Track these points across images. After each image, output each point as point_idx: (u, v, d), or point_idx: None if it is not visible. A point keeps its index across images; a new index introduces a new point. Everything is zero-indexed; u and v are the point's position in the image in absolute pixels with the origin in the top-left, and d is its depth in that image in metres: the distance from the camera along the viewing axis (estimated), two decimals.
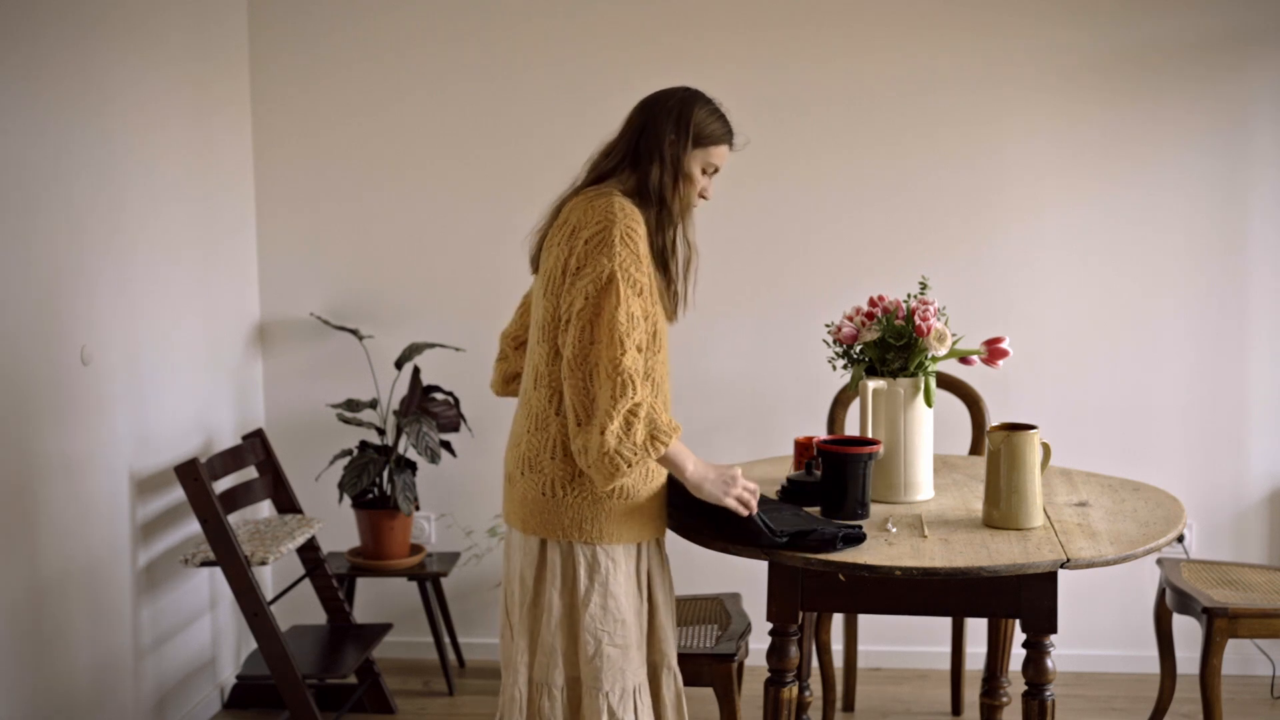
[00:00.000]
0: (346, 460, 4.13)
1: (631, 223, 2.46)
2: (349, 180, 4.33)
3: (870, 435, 2.92)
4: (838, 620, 4.05)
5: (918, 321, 2.92)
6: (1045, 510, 2.86)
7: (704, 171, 2.60)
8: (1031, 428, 2.75)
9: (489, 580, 4.36)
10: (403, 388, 4.26)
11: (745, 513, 2.52)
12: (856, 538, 2.58)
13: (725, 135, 2.60)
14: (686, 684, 2.82)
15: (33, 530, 3.10)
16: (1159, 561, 3.61)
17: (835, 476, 2.77)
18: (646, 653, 2.63)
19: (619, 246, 2.43)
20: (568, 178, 4.36)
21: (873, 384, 2.93)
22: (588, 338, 2.43)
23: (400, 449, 4.18)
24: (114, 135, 3.44)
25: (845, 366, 3.07)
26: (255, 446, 3.98)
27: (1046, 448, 2.79)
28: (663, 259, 2.55)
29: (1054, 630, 2.59)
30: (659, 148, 2.54)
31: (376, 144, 4.31)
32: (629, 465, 2.40)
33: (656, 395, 2.54)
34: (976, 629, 4.05)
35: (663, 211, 2.55)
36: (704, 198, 2.61)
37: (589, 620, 2.53)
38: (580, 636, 2.54)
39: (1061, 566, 2.51)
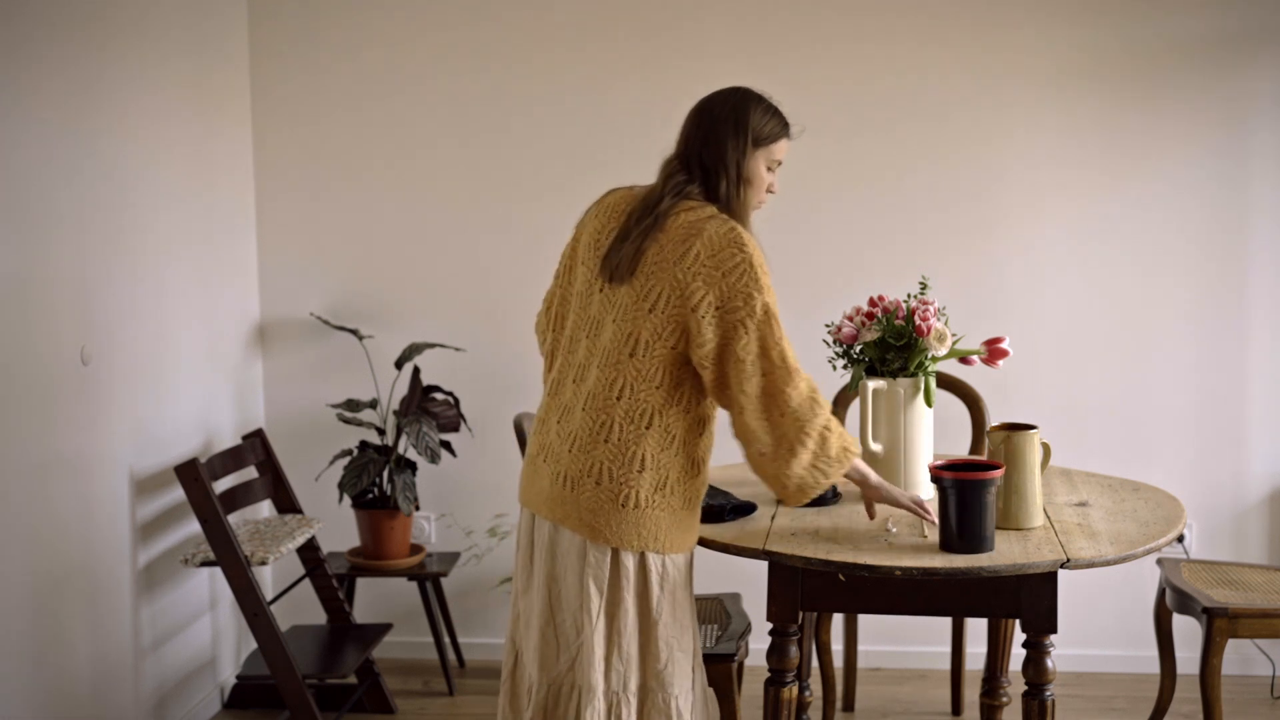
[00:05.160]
0: (346, 460, 4.13)
1: (759, 251, 2.53)
2: (349, 180, 4.32)
3: (870, 435, 2.92)
4: (838, 620, 4.05)
5: (918, 321, 2.92)
6: (1045, 510, 2.86)
7: (768, 169, 2.65)
8: (1031, 428, 2.75)
9: (489, 580, 4.36)
10: (403, 388, 4.26)
11: (926, 515, 2.69)
12: (745, 509, 2.83)
13: (783, 130, 2.66)
14: None
15: (33, 530, 3.10)
16: (1159, 561, 3.61)
17: (955, 503, 2.60)
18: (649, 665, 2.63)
19: (762, 276, 2.51)
20: (570, 176, 4.36)
21: (873, 384, 2.93)
22: (757, 370, 2.51)
23: (400, 449, 4.18)
24: (113, 134, 3.44)
25: (845, 366, 3.07)
26: (255, 446, 3.98)
27: (1046, 448, 2.80)
28: None
29: (1054, 630, 2.60)
30: (722, 160, 2.59)
31: (377, 144, 4.31)
32: (826, 478, 2.56)
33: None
34: (976, 629, 4.05)
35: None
36: (771, 192, 2.67)
37: (663, 629, 2.56)
38: (653, 646, 2.57)
39: (1061, 566, 2.52)
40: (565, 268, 2.76)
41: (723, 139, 2.59)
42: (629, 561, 2.55)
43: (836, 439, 2.57)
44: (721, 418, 2.67)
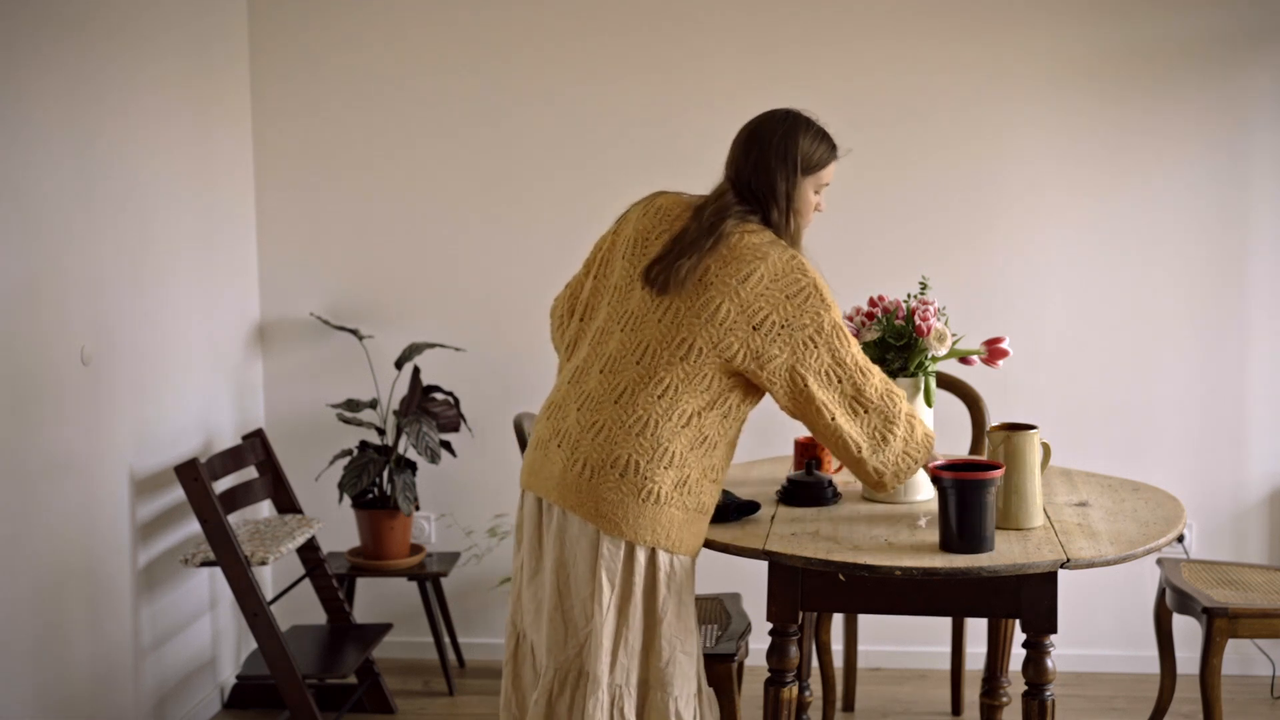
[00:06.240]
0: (346, 460, 4.13)
1: (820, 276, 2.61)
2: (349, 180, 4.32)
3: None
4: (838, 620, 4.05)
5: (918, 321, 2.92)
6: (1045, 510, 2.86)
7: (816, 191, 2.70)
8: (1031, 428, 2.75)
9: (489, 580, 4.36)
10: (403, 388, 4.26)
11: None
12: (749, 508, 2.84)
13: (830, 154, 2.71)
14: None
15: (33, 530, 3.10)
16: (1159, 561, 3.61)
17: (955, 503, 2.61)
18: (651, 662, 2.64)
19: (826, 295, 2.59)
20: (570, 176, 4.35)
21: None
22: (834, 378, 2.59)
23: (400, 449, 4.18)
24: (113, 134, 3.44)
25: None
26: (255, 446, 3.98)
27: (1046, 448, 2.80)
28: None
29: (1054, 630, 2.59)
30: (772, 191, 2.64)
31: (377, 143, 4.30)
32: (916, 464, 2.65)
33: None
34: (976, 629, 4.05)
35: None
36: (818, 210, 2.73)
37: (666, 628, 2.59)
38: (656, 643, 2.59)
39: (1061, 566, 2.52)
40: (601, 260, 2.76)
41: (772, 169, 2.65)
42: (641, 556, 2.57)
43: (921, 426, 2.66)
44: (749, 431, 2.70)
